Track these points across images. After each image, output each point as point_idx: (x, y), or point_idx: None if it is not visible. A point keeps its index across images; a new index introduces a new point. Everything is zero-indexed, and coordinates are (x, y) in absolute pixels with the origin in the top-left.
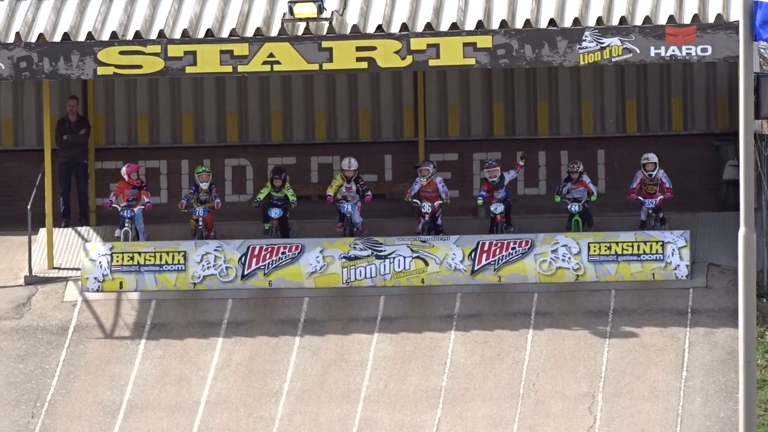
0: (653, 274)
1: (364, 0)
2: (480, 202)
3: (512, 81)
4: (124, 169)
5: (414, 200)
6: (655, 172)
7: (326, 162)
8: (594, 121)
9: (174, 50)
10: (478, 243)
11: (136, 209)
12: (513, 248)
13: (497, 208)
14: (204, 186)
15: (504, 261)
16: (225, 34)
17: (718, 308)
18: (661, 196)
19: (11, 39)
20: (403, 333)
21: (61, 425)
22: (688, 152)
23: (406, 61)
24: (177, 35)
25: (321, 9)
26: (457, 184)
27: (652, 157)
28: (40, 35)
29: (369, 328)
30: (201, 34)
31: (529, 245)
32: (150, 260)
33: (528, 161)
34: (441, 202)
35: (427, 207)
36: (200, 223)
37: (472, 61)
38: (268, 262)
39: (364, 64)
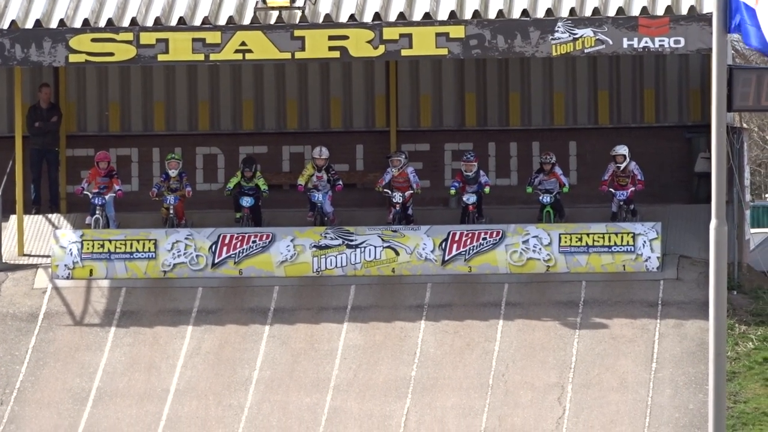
0: (624, 265)
1: None
2: (452, 192)
3: (484, 71)
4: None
5: (385, 190)
6: (626, 164)
7: (298, 151)
8: (566, 112)
9: (146, 38)
10: (448, 233)
11: (107, 197)
12: (484, 239)
13: (470, 198)
14: (173, 173)
15: (475, 251)
16: (197, 22)
17: (689, 300)
18: (633, 188)
19: None
20: (373, 322)
21: (30, 412)
22: (660, 144)
23: (378, 51)
24: (149, 23)
25: None
26: (429, 174)
27: (621, 149)
28: (13, 21)
29: (339, 317)
30: (173, 22)
31: (500, 236)
32: (120, 248)
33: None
34: (412, 192)
35: (398, 197)
36: (171, 212)
37: (444, 51)
38: (239, 251)
39: (336, 54)
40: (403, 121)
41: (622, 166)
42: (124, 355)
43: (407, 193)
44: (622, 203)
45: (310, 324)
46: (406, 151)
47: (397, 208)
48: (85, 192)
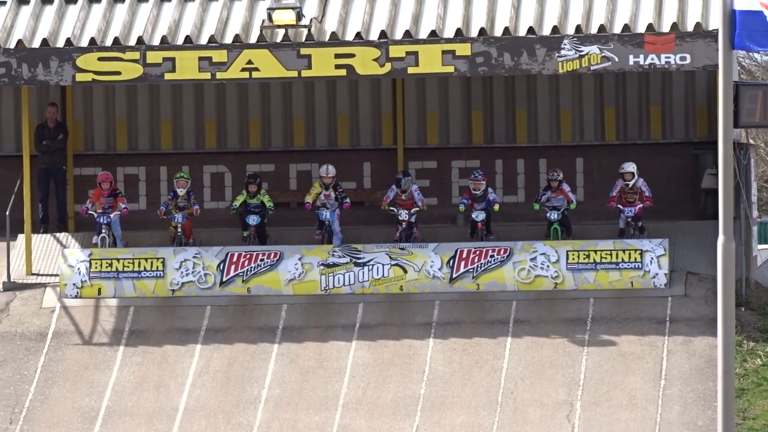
0: (632, 282)
1: (343, 7)
2: (462, 208)
3: (491, 89)
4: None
5: (390, 208)
6: (634, 181)
7: (305, 169)
8: (573, 129)
9: (153, 57)
10: (456, 250)
11: (112, 215)
12: (491, 256)
13: (478, 215)
14: (181, 192)
15: (482, 269)
16: (204, 40)
17: (697, 317)
18: (641, 205)
19: None
20: (382, 340)
21: (40, 431)
22: (666, 161)
23: (385, 69)
24: (156, 42)
25: (300, 16)
26: (436, 191)
27: (629, 167)
28: (19, 41)
29: (347, 335)
30: (180, 41)
31: (507, 253)
32: (128, 267)
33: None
34: (418, 209)
35: (404, 214)
36: (179, 230)
37: (450, 69)
38: (247, 269)
39: (342, 72)
40: (410, 138)
41: (631, 183)
42: (133, 374)
43: (413, 210)
44: (629, 220)
45: (319, 342)
46: (409, 171)
47: (404, 226)
48: (90, 212)
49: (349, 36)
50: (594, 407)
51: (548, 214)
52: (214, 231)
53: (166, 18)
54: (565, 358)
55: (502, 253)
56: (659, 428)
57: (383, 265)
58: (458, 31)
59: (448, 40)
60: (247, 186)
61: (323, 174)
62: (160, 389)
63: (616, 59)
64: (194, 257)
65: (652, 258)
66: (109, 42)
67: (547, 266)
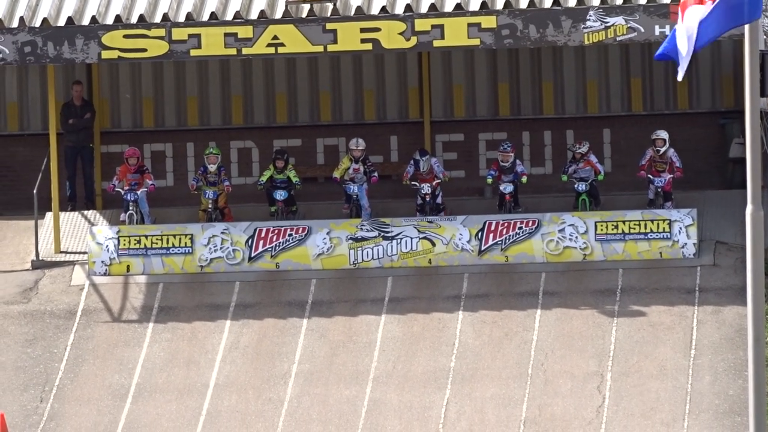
0: (660, 252)
1: None
2: (489, 180)
3: (517, 61)
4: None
5: (412, 183)
6: (664, 149)
7: (332, 143)
8: (599, 100)
9: (178, 33)
10: (484, 223)
11: (139, 192)
12: (520, 228)
13: (506, 188)
14: (212, 168)
15: (511, 241)
16: (229, 16)
17: (726, 286)
18: (670, 176)
19: (15, 23)
20: (411, 314)
21: (70, 409)
22: (693, 131)
23: (410, 42)
24: (181, 18)
25: None
26: (463, 164)
27: (662, 134)
28: (44, 19)
29: (377, 309)
30: (205, 17)
31: (536, 225)
32: (157, 243)
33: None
34: (439, 180)
35: (426, 188)
36: (210, 205)
37: (476, 42)
38: (275, 244)
39: (368, 46)
40: (436, 111)
41: (662, 150)
42: (163, 351)
43: (434, 183)
44: (659, 190)
45: (348, 316)
46: (428, 151)
47: (427, 199)
48: (117, 189)
49: (375, 10)
50: (624, 378)
51: (576, 186)
52: (241, 207)
53: None
54: (595, 329)
55: (530, 224)
56: (690, 398)
57: (411, 238)
58: (483, 4)
59: (474, 13)
60: (274, 161)
61: (353, 147)
62: (190, 365)
63: (642, 30)
64: (222, 233)
65: (680, 228)
66: (134, 19)
67: (576, 237)
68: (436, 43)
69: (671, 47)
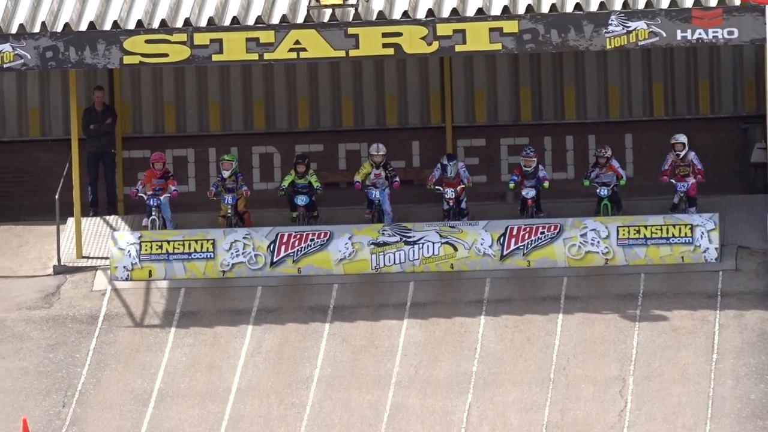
0: (682, 257)
1: None
2: (512, 185)
3: (539, 66)
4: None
5: (436, 187)
6: (685, 152)
7: (353, 149)
8: (621, 105)
9: (200, 38)
10: (506, 228)
11: (162, 198)
12: (542, 233)
13: (529, 192)
14: (226, 174)
15: (533, 246)
16: (251, 21)
17: (748, 291)
18: (693, 180)
19: (37, 29)
20: (433, 318)
21: (92, 414)
22: (715, 135)
23: (432, 47)
24: (203, 23)
25: None
26: (485, 169)
27: (681, 137)
28: (66, 24)
29: (399, 314)
30: (227, 22)
31: (557, 230)
32: (179, 248)
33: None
34: (464, 186)
35: (450, 193)
36: (230, 211)
37: (498, 47)
38: (297, 249)
39: (390, 51)
40: (458, 116)
41: (682, 154)
42: (185, 356)
43: (459, 188)
44: (683, 195)
45: (370, 321)
46: (453, 154)
47: (451, 204)
48: (140, 194)
49: (396, 15)
50: (646, 382)
51: (598, 190)
52: (263, 212)
53: None
54: (617, 334)
55: (552, 229)
56: (712, 402)
57: (433, 243)
58: (505, 9)
59: (495, 18)
60: (295, 166)
61: (373, 152)
62: (213, 370)
63: (664, 34)
64: (244, 238)
65: (702, 232)
66: (156, 24)
67: (598, 242)
68: (458, 48)
69: None
